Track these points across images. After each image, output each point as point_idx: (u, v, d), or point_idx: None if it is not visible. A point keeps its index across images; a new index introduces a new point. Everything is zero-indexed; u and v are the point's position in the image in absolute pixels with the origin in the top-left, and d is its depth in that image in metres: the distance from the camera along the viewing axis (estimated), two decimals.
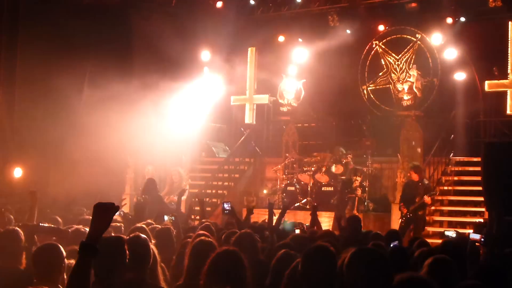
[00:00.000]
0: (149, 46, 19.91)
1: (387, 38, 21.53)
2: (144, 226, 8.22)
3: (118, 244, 5.05)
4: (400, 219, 15.55)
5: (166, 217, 10.47)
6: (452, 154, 18.71)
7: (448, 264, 5.40)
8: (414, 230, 15.27)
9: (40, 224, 7.06)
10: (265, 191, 20.28)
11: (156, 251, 5.80)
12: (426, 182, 15.93)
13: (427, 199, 15.26)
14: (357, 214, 15.92)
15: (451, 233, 9.48)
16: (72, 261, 5.63)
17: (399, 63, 21.14)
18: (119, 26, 19.19)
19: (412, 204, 15.32)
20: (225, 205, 10.33)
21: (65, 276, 5.49)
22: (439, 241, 10.64)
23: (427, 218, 16.96)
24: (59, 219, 9.59)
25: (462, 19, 19.39)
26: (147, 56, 19.75)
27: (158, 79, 19.40)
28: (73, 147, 17.28)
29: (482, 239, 7.38)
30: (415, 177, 15.61)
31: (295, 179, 19.16)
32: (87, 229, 7.77)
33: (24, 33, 16.49)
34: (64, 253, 5.56)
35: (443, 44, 19.77)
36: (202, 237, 6.21)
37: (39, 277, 5.33)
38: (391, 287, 3.87)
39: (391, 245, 7.76)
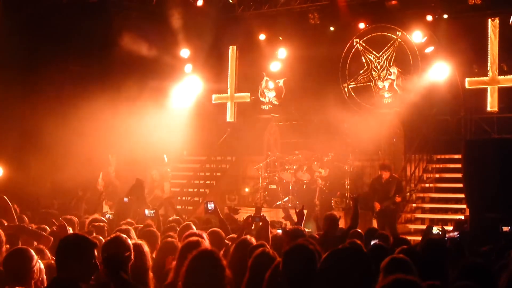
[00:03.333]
0: (129, 45, 19.81)
1: (368, 36, 21.50)
2: (130, 227, 8.15)
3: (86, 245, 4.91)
4: (374, 214, 15.66)
5: (146, 211, 10.44)
6: (433, 151, 18.78)
7: (405, 265, 5.21)
8: (388, 225, 15.30)
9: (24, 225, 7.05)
10: (246, 190, 20.23)
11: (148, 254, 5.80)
12: (397, 176, 16.10)
13: (398, 199, 15.47)
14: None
15: (436, 229, 9.49)
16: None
17: (380, 60, 21.13)
18: (100, 25, 19.11)
19: (386, 200, 15.45)
20: (209, 205, 10.21)
21: (45, 277, 5.43)
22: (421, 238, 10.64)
23: (408, 215, 17.15)
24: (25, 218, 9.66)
25: (444, 16, 19.43)
26: (127, 54, 19.64)
27: (139, 77, 19.32)
28: (53, 146, 17.19)
29: (458, 236, 7.39)
30: (386, 175, 15.74)
31: (276, 178, 19.13)
32: (70, 230, 7.75)
33: (3, 29, 16.35)
34: (36, 258, 5.43)
35: (423, 41, 19.80)
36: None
37: (10, 282, 5.25)
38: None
39: (372, 243, 7.76)
